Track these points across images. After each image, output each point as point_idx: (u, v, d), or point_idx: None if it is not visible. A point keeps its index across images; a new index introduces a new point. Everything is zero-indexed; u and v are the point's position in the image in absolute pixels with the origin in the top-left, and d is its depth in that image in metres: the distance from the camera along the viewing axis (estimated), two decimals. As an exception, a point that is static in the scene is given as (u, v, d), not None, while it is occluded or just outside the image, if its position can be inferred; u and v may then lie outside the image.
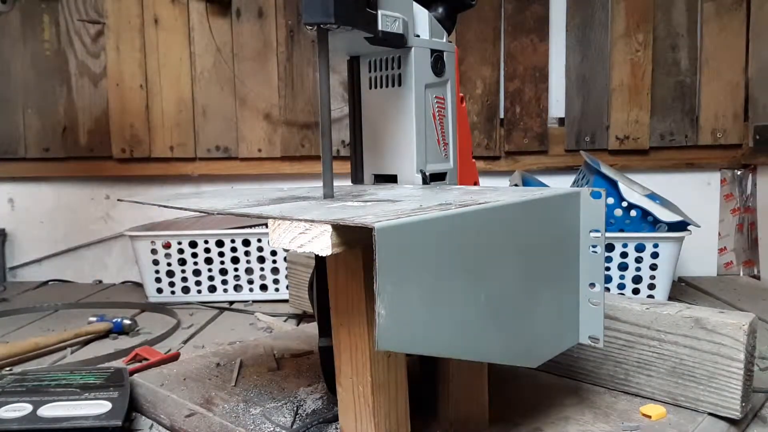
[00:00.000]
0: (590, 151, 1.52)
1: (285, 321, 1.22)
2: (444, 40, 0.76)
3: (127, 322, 1.14)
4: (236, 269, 1.37)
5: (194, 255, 1.36)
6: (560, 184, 1.56)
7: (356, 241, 0.45)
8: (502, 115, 1.58)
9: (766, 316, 1.16)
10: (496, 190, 0.64)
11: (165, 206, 0.62)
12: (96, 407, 0.70)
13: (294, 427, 0.65)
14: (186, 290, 1.38)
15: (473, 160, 0.84)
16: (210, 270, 1.38)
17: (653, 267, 1.23)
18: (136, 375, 0.82)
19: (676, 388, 0.70)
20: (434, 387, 0.64)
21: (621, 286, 1.25)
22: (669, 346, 0.70)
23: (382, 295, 0.41)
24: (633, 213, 1.24)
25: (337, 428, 0.64)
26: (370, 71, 0.75)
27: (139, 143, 1.61)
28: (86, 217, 1.68)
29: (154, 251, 1.37)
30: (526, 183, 1.41)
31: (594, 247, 0.62)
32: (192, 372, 0.83)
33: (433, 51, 0.73)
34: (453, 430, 0.63)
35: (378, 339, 0.41)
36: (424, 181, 0.72)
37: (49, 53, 1.61)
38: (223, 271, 1.38)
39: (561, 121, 1.58)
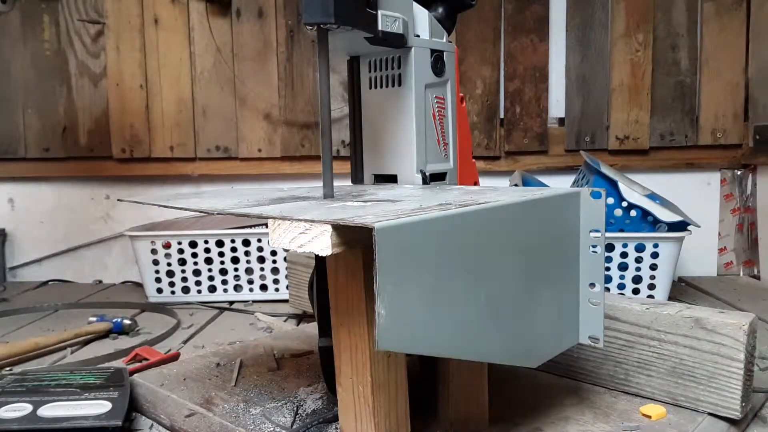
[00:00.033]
0: (590, 151, 1.52)
1: (285, 321, 1.22)
2: (444, 40, 0.76)
3: (127, 322, 1.14)
4: (236, 269, 1.37)
5: (194, 255, 1.36)
6: (560, 184, 1.56)
7: (356, 241, 0.45)
8: (502, 115, 1.58)
9: (766, 316, 1.16)
10: (496, 190, 0.64)
11: (165, 206, 0.62)
12: (96, 407, 0.70)
13: (294, 427, 0.65)
14: (186, 290, 1.38)
15: (473, 160, 0.84)
16: (210, 270, 1.38)
17: (653, 267, 1.23)
18: (136, 375, 0.82)
19: (676, 388, 0.70)
20: (434, 387, 0.64)
21: (621, 286, 1.25)
22: (669, 346, 0.70)
23: (382, 295, 0.41)
24: (633, 213, 1.24)
25: (337, 428, 0.64)
26: (370, 71, 0.75)
27: (139, 143, 1.61)
28: (86, 217, 1.68)
29: (154, 251, 1.37)
30: (526, 183, 1.41)
31: (594, 247, 0.62)
32: (192, 372, 0.83)
33: (433, 51, 0.73)
34: (453, 430, 0.63)
35: (378, 339, 0.41)
36: (424, 181, 0.72)
37: (49, 53, 1.61)
38: (223, 271, 1.38)
39: (561, 121, 1.58)
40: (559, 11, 1.55)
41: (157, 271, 1.38)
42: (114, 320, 1.14)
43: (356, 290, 0.52)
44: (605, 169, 1.26)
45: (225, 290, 1.39)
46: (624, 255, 1.23)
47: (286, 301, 1.31)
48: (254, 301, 1.39)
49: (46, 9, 1.60)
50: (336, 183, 0.64)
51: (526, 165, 1.58)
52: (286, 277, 1.32)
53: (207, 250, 1.36)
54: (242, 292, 1.39)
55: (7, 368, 0.96)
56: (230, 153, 1.61)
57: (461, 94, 0.79)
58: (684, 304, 0.74)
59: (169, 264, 1.37)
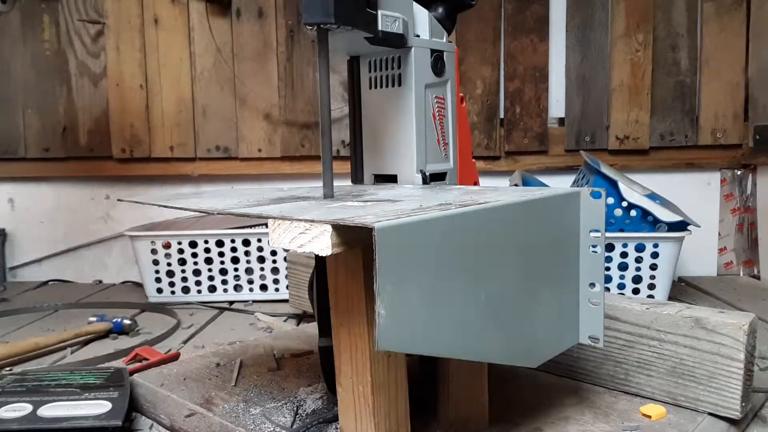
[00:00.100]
0: (590, 151, 1.52)
1: (285, 321, 1.22)
2: (444, 40, 0.76)
3: (127, 322, 1.14)
4: (236, 269, 1.37)
5: (194, 255, 1.36)
6: (560, 184, 1.56)
7: (356, 241, 0.45)
8: (502, 115, 1.58)
9: (766, 316, 1.16)
10: (496, 190, 0.64)
11: (165, 206, 0.62)
12: (96, 407, 0.70)
13: (294, 427, 0.65)
14: (186, 290, 1.39)
15: (473, 160, 0.84)
16: (210, 270, 1.38)
17: (653, 267, 1.23)
18: (136, 375, 0.82)
19: (676, 388, 0.70)
20: (434, 387, 0.64)
21: (621, 286, 1.25)
22: (669, 346, 0.70)
23: (382, 295, 0.41)
24: (633, 213, 1.24)
25: (337, 428, 0.64)
26: (370, 71, 0.75)
27: (139, 143, 1.61)
28: (86, 217, 1.68)
29: (154, 251, 1.37)
30: (526, 183, 1.41)
31: (594, 247, 0.62)
32: (192, 372, 0.83)
33: (433, 51, 0.73)
34: (453, 430, 0.63)
35: (378, 339, 0.41)
36: (424, 181, 0.72)
37: (49, 53, 1.61)
38: (223, 271, 1.38)
39: (561, 121, 1.58)
40: (559, 11, 1.55)
41: (157, 271, 1.38)
42: (114, 320, 1.14)
43: (356, 290, 0.52)
44: (605, 169, 1.26)
45: (225, 290, 1.39)
46: (624, 255, 1.23)
47: (286, 301, 1.31)
48: (254, 301, 1.39)
49: (46, 9, 1.60)
50: (336, 183, 0.64)
51: (526, 165, 1.58)
52: (286, 277, 1.32)
53: (207, 250, 1.36)
54: (242, 292, 1.39)
55: (7, 368, 0.96)
56: (230, 153, 1.61)
57: (461, 94, 0.79)
58: (684, 304, 0.74)
59: (169, 264, 1.37)
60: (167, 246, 1.36)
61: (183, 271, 1.37)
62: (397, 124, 0.73)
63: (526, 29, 1.55)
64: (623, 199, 1.23)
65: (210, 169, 1.62)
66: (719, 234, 1.59)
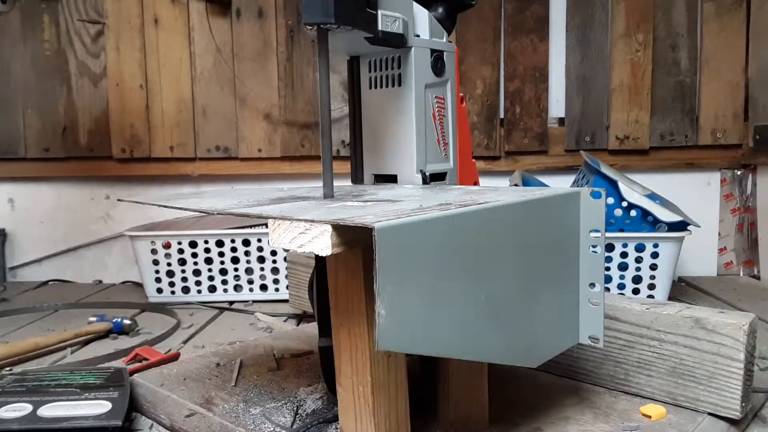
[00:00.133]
0: (590, 151, 1.52)
1: (285, 321, 1.22)
2: (444, 40, 0.76)
3: (127, 322, 1.14)
4: (236, 269, 1.37)
5: (194, 255, 1.36)
6: (560, 184, 1.56)
7: (356, 241, 0.45)
8: (502, 115, 1.58)
9: (766, 316, 1.16)
10: (496, 190, 0.64)
11: (165, 206, 0.62)
12: (96, 407, 0.70)
13: (294, 427, 0.65)
14: (186, 290, 1.39)
15: (473, 160, 0.84)
16: (210, 270, 1.38)
17: (653, 267, 1.23)
18: (136, 375, 0.82)
19: (676, 388, 0.70)
20: (434, 387, 0.64)
21: (621, 286, 1.25)
22: (669, 346, 0.70)
23: (382, 295, 0.41)
24: (633, 213, 1.24)
25: (337, 428, 0.64)
26: (370, 71, 0.75)
27: (139, 143, 1.61)
28: (86, 217, 1.68)
29: (154, 251, 1.37)
30: (526, 183, 1.41)
31: (594, 247, 0.62)
32: (192, 372, 0.83)
33: (433, 51, 0.73)
34: (453, 430, 0.63)
35: (378, 339, 0.41)
36: (424, 181, 0.72)
37: (49, 53, 1.61)
38: (223, 271, 1.38)
39: (561, 121, 1.58)
40: (559, 11, 1.55)
41: (157, 271, 1.38)
42: (114, 320, 1.14)
43: (356, 290, 0.52)
44: (605, 169, 1.26)
45: (225, 290, 1.39)
46: (624, 255, 1.23)
47: (286, 301, 1.31)
48: (254, 301, 1.39)
49: (46, 9, 1.60)
50: (336, 183, 0.64)
51: (526, 165, 1.58)
52: (286, 277, 1.32)
53: (207, 250, 1.36)
54: (242, 292, 1.39)
55: (7, 368, 0.96)
56: (230, 153, 1.61)
57: (461, 94, 0.79)
58: (684, 304, 0.74)
59: (169, 264, 1.37)
60: (167, 246, 1.36)
61: (183, 271, 1.37)
62: (397, 124, 0.73)
63: (526, 29, 1.55)
64: (623, 199, 1.23)
65: (210, 169, 1.62)
66: (719, 234, 1.59)
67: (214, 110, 1.60)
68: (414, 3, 0.72)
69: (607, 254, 1.14)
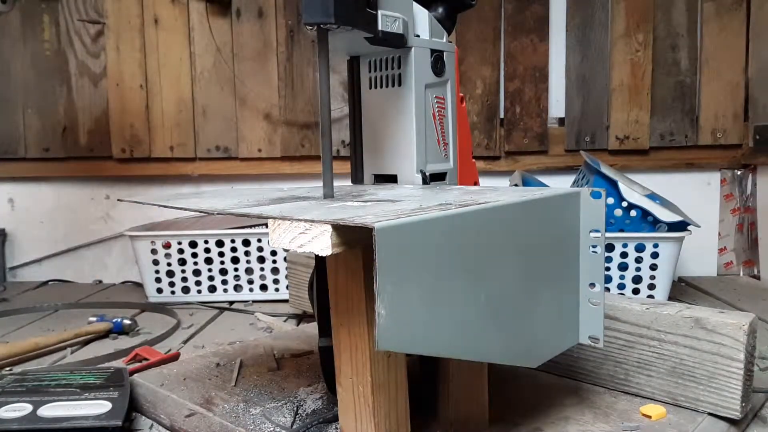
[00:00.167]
0: (590, 151, 1.52)
1: (285, 321, 1.22)
2: (444, 40, 0.76)
3: (127, 322, 1.14)
4: (236, 269, 1.37)
5: (194, 255, 1.36)
6: (560, 184, 1.56)
7: (356, 241, 0.45)
8: (502, 115, 1.58)
9: (766, 316, 1.16)
10: (496, 190, 0.64)
11: (165, 206, 0.62)
12: (96, 407, 0.70)
13: (294, 427, 0.65)
14: (186, 290, 1.39)
15: (473, 160, 0.84)
16: (210, 270, 1.38)
17: (653, 267, 1.23)
18: (136, 375, 0.82)
19: (676, 388, 0.70)
20: (434, 387, 0.64)
21: (621, 286, 1.25)
22: (669, 346, 0.70)
23: (382, 295, 0.41)
24: (633, 213, 1.24)
25: (337, 428, 0.64)
26: (370, 71, 0.75)
27: (139, 143, 1.61)
28: (86, 217, 1.68)
29: (154, 251, 1.37)
30: (526, 183, 1.41)
31: (594, 247, 0.62)
32: (192, 372, 0.83)
33: (433, 51, 0.73)
34: (453, 430, 0.63)
35: (378, 339, 0.41)
36: (424, 181, 0.72)
37: (49, 53, 1.61)
38: (223, 271, 1.38)
39: (561, 121, 1.58)
40: (559, 11, 1.55)
41: (157, 271, 1.38)
42: (114, 320, 1.14)
43: (356, 290, 0.52)
44: (605, 169, 1.26)
45: (225, 290, 1.39)
46: (624, 255, 1.23)
47: (286, 301, 1.31)
48: (254, 301, 1.39)
49: (46, 9, 1.60)
50: (336, 183, 0.64)
51: (526, 165, 1.58)
52: (286, 277, 1.32)
53: (207, 250, 1.36)
54: (242, 292, 1.39)
55: (7, 368, 0.96)
56: (230, 153, 1.61)
57: (461, 94, 0.79)
58: (684, 304, 0.74)
59: (169, 264, 1.37)
60: (167, 246, 1.36)
61: (183, 271, 1.37)
62: (397, 124, 0.73)
63: (526, 29, 1.55)
64: (623, 199, 1.23)
65: (210, 169, 1.62)
66: (719, 234, 1.59)
67: (214, 110, 1.60)
68: (414, 3, 0.72)
69: (607, 254, 1.14)
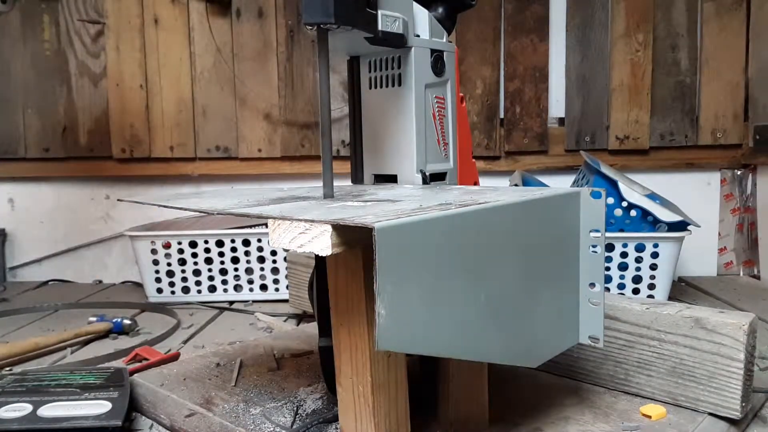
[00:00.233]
0: (590, 151, 1.52)
1: (285, 321, 1.22)
2: (444, 40, 0.76)
3: (127, 322, 1.14)
4: (236, 269, 1.37)
5: (194, 255, 1.36)
6: (560, 184, 1.56)
7: (356, 241, 0.45)
8: (502, 115, 1.58)
9: (766, 316, 1.16)
10: (496, 190, 0.64)
11: (165, 206, 0.62)
12: (96, 407, 0.70)
13: (294, 427, 0.65)
14: (186, 290, 1.39)
15: (473, 160, 0.84)
16: (210, 270, 1.38)
17: (653, 267, 1.23)
18: (136, 375, 0.82)
19: (676, 388, 0.70)
20: (434, 387, 0.64)
21: (621, 286, 1.25)
22: (669, 346, 0.70)
23: (382, 295, 0.41)
24: (633, 213, 1.24)
25: (337, 428, 0.64)
26: (370, 71, 0.75)
27: (139, 143, 1.61)
28: (86, 217, 1.68)
29: (154, 251, 1.37)
30: (526, 183, 1.41)
31: (594, 247, 0.62)
32: (192, 372, 0.83)
33: (433, 51, 0.73)
34: (453, 430, 0.63)
35: (378, 339, 0.41)
36: (424, 181, 0.72)
37: (49, 53, 1.61)
38: (223, 271, 1.38)
39: (561, 121, 1.58)
40: (559, 11, 1.55)
41: (157, 271, 1.38)
42: (114, 320, 1.14)
43: (356, 290, 0.52)
44: (605, 169, 1.26)
45: (225, 290, 1.39)
46: (624, 255, 1.23)
47: (286, 301, 1.31)
48: (254, 301, 1.39)
49: (46, 9, 1.60)
50: (336, 183, 0.64)
51: (526, 165, 1.58)
52: (286, 277, 1.32)
53: (207, 250, 1.36)
54: (242, 292, 1.39)
55: (7, 368, 0.96)
56: (230, 153, 1.61)
57: (461, 94, 0.79)
58: (684, 304, 0.74)
59: (169, 264, 1.37)
60: (167, 246, 1.36)
61: (183, 271, 1.37)
62: (397, 124, 0.73)
63: (526, 29, 1.55)
64: (623, 199, 1.23)
65: (210, 169, 1.62)
66: (719, 234, 1.59)
67: (214, 110, 1.60)
68: (414, 3, 0.72)
69: (607, 254, 1.14)
